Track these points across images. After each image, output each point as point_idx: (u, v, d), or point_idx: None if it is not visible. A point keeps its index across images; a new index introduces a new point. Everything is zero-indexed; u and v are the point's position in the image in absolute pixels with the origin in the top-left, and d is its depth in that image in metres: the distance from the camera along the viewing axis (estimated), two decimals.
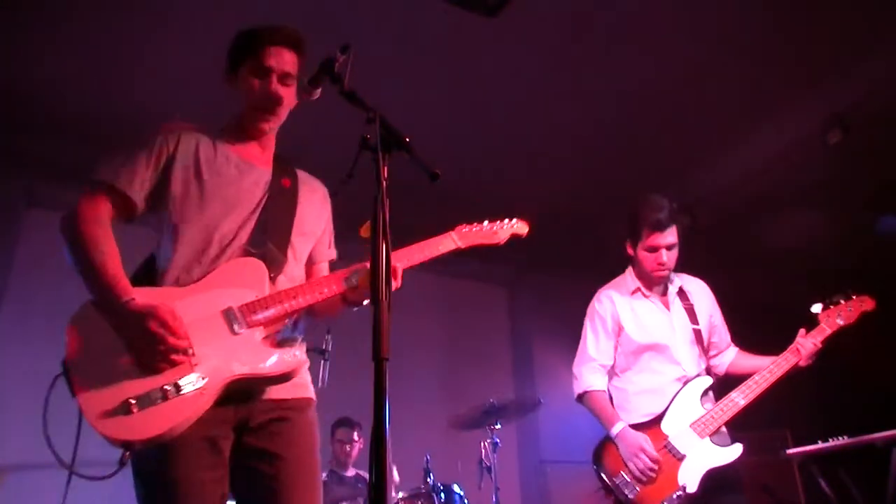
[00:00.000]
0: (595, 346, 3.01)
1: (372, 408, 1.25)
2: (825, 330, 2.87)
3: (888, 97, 4.67)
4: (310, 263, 2.05)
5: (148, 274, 1.83)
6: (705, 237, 5.50)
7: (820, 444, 4.13)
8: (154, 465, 1.64)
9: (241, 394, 1.72)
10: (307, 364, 1.91)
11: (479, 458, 4.20)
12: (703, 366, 2.94)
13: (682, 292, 3.05)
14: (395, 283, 1.85)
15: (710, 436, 2.71)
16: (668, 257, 2.92)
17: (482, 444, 4.20)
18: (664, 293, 3.05)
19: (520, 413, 4.61)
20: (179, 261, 1.78)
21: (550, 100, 4.81)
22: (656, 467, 2.65)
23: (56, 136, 4.73)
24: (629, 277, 3.10)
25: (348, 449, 4.85)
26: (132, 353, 1.61)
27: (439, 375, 6.07)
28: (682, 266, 3.08)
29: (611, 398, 2.97)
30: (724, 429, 2.76)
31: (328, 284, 1.85)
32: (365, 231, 1.67)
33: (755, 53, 4.43)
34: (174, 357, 1.61)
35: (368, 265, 1.71)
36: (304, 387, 1.88)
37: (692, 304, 3.02)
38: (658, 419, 2.78)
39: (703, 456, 2.68)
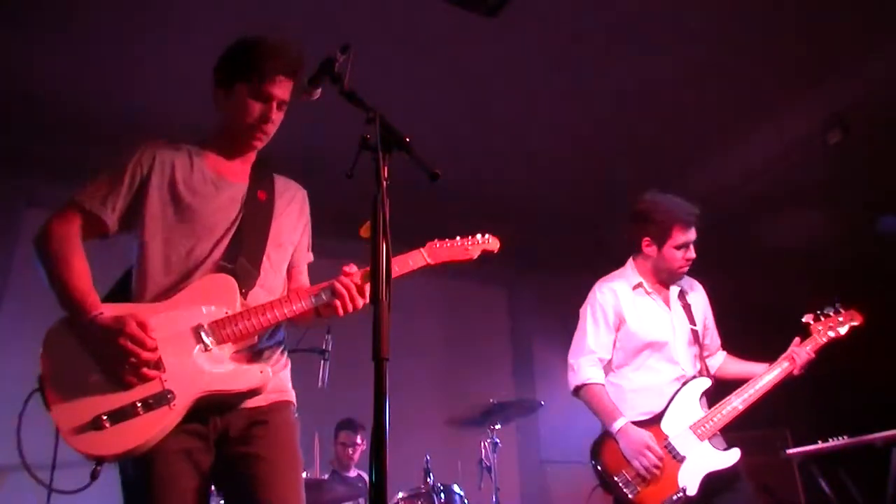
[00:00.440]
0: (595, 338, 2.94)
1: (372, 408, 1.25)
2: (818, 341, 2.90)
3: (888, 97, 4.67)
4: (289, 268, 2.07)
5: (123, 291, 1.86)
6: (704, 237, 5.49)
7: (820, 444, 4.13)
8: (135, 473, 1.68)
9: (215, 408, 1.75)
10: (285, 369, 1.94)
11: (479, 458, 4.20)
12: (699, 367, 2.93)
13: (681, 292, 3.04)
14: (364, 300, 1.88)
15: (709, 439, 2.71)
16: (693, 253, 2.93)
17: (482, 444, 4.19)
18: (665, 291, 3.03)
19: (520, 413, 4.60)
20: (154, 278, 1.80)
21: (550, 100, 4.81)
22: (661, 465, 2.62)
23: (56, 136, 4.73)
24: (631, 272, 3.05)
25: (351, 452, 4.85)
26: (103, 368, 1.64)
27: (439, 376, 6.06)
28: None
29: None
30: (718, 433, 2.75)
31: (297, 301, 1.86)
32: (365, 231, 1.67)
33: (755, 53, 4.43)
34: (144, 371, 1.64)
35: (336, 284, 1.85)
36: (280, 392, 1.90)
37: (689, 305, 3.01)
38: (657, 418, 2.75)
39: (702, 459, 2.66)
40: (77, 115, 4.62)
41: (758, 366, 2.92)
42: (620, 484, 2.63)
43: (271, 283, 1.94)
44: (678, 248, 2.90)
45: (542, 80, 4.62)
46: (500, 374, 6.48)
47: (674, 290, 3.03)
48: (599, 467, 2.70)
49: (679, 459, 2.66)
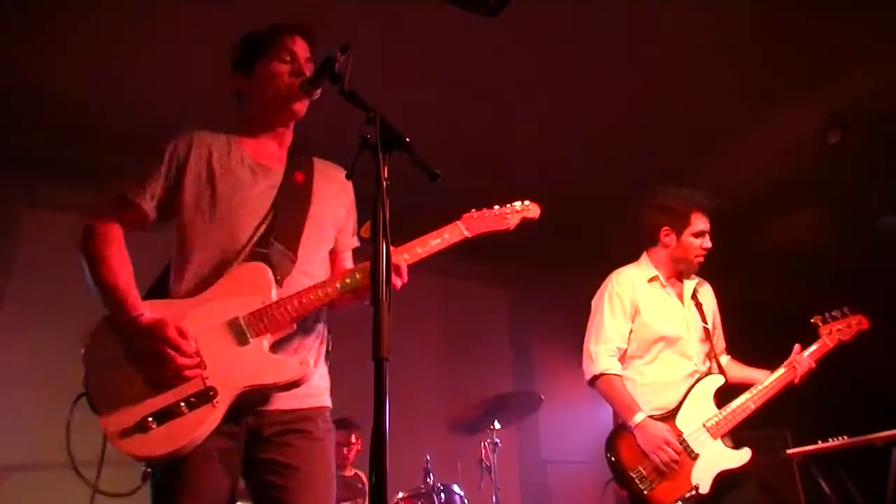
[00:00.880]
0: (613, 326, 2.91)
1: (372, 408, 1.25)
2: (826, 344, 2.91)
3: (888, 97, 4.67)
4: (333, 253, 2.03)
5: (163, 285, 1.85)
6: None
7: (820, 444, 4.13)
8: (164, 473, 1.67)
9: (251, 404, 1.73)
10: (322, 367, 1.91)
11: (479, 458, 4.20)
12: (709, 364, 2.93)
13: (694, 289, 3.04)
14: (402, 279, 1.82)
15: (721, 437, 2.70)
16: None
17: (482, 444, 4.19)
18: (680, 286, 3.02)
19: (520, 413, 4.60)
20: (192, 270, 1.79)
21: (550, 100, 4.81)
22: (679, 460, 2.62)
23: (56, 136, 4.72)
24: (645, 265, 3.05)
25: (345, 452, 4.85)
26: (145, 369, 1.64)
27: (439, 375, 6.06)
28: None
29: None
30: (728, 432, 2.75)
31: (331, 284, 1.81)
32: (365, 231, 1.68)
33: (755, 53, 4.42)
34: (186, 373, 1.64)
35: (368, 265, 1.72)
36: (316, 396, 1.87)
37: (701, 304, 3.01)
38: (672, 414, 2.74)
39: (715, 457, 2.65)
40: (77, 115, 4.61)
41: (759, 372, 2.92)
42: (636, 479, 2.62)
43: (313, 268, 1.90)
44: (696, 235, 2.92)
45: (541, 80, 4.61)
46: (501, 374, 6.48)
47: (688, 286, 3.02)
48: (614, 459, 2.68)
49: (693, 457, 2.65)
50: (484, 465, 4.15)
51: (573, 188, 5.68)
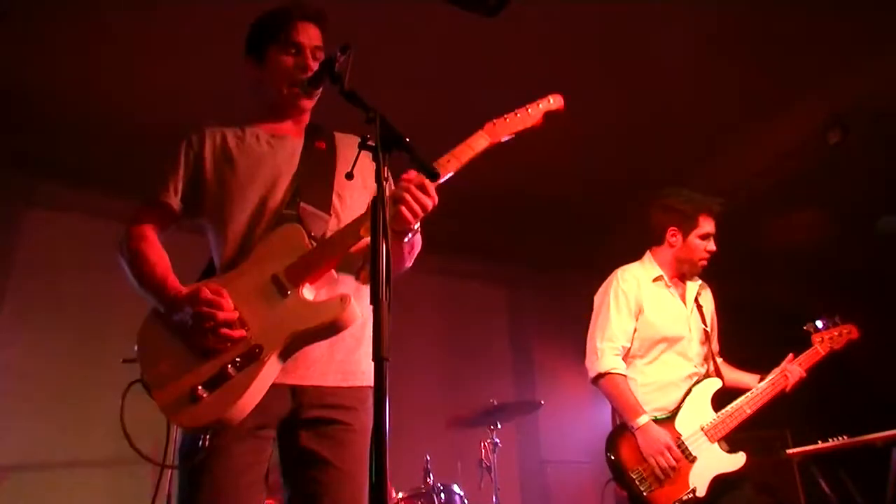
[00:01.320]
0: (618, 323, 2.91)
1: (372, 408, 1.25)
2: (818, 352, 2.94)
3: (888, 97, 4.67)
4: None
5: (208, 275, 1.88)
6: None
7: (820, 444, 4.12)
8: (197, 461, 1.64)
9: (296, 362, 1.72)
10: (367, 345, 1.81)
11: (479, 458, 4.20)
12: (707, 367, 2.94)
13: (696, 291, 3.05)
14: (432, 198, 1.73)
15: (717, 441, 2.71)
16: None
17: (482, 444, 4.19)
18: (683, 287, 3.03)
19: (520, 413, 4.61)
20: (230, 247, 1.82)
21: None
22: (677, 466, 2.63)
23: (56, 136, 4.72)
24: (650, 264, 3.05)
25: None
26: (190, 344, 1.66)
27: (439, 375, 6.06)
28: None
29: None
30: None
31: (356, 225, 1.75)
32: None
33: (755, 53, 4.42)
34: (226, 332, 1.64)
35: (395, 190, 1.69)
36: (357, 373, 1.84)
37: (702, 306, 3.02)
38: (671, 416, 2.75)
39: (712, 460, 2.66)
40: (77, 115, 4.61)
41: (749, 376, 2.94)
42: (636, 480, 2.63)
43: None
44: (702, 238, 2.93)
45: (541, 80, 4.60)
46: (500, 374, 6.48)
47: (691, 288, 3.03)
48: (615, 459, 2.69)
49: (691, 460, 2.66)
50: (484, 464, 4.16)
51: (573, 188, 5.69)
